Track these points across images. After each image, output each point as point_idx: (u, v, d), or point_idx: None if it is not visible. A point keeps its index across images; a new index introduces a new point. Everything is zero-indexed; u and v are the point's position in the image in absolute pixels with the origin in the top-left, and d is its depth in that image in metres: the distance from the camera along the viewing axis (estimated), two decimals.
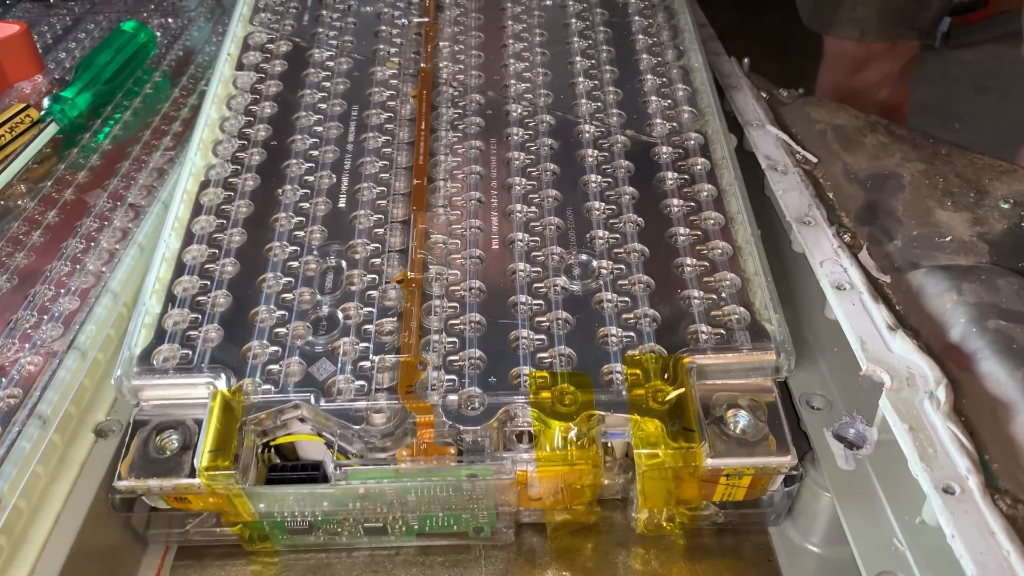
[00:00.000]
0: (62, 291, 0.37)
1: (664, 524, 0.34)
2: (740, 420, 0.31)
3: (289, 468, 0.33)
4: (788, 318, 0.33)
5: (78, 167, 0.46)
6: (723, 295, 0.34)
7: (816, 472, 0.32)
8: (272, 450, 0.33)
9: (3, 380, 0.33)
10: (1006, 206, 0.36)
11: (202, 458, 0.30)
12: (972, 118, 1.32)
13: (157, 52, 0.58)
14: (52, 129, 0.48)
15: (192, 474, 0.30)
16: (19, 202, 0.43)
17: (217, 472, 0.30)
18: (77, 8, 0.64)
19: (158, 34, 0.60)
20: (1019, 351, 0.30)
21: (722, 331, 0.33)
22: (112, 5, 0.64)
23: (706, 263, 0.35)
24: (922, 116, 1.16)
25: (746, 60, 0.48)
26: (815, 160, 0.40)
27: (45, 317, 0.36)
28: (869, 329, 0.31)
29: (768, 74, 0.50)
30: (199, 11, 0.64)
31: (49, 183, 0.45)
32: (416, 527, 0.33)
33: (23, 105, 0.48)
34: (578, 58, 0.47)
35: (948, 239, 0.35)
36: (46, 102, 0.49)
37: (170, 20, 0.62)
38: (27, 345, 0.34)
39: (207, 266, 0.36)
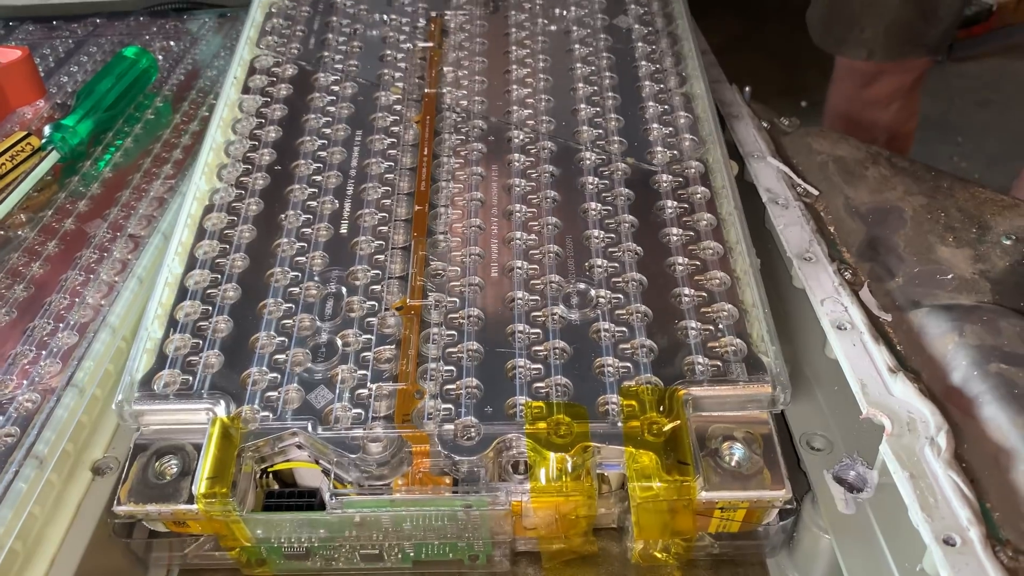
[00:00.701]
0: (60, 325, 0.37)
1: (659, 555, 0.34)
2: (735, 453, 0.31)
3: (286, 495, 0.33)
4: (788, 353, 0.33)
5: (79, 196, 0.46)
6: (720, 326, 0.34)
7: (816, 513, 0.31)
8: (270, 475, 0.34)
9: (0, 419, 0.33)
10: (1008, 242, 0.36)
11: (200, 485, 0.30)
12: (975, 131, 1.31)
13: (159, 76, 0.57)
14: (53, 157, 0.48)
15: (190, 500, 0.30)
16: (19, 232, 0.43)
17: (214, 499, 0.30)
18: (80, 31, 0.64)
19: (160, 57, 0.59)
20: (1021, 396, 0.29)
21: (719, 363, 0.33)
22: (115, 28, 0.64)
23: (704, 293, 0.35)
24: (925, 129, 1.16)
25: (747, 89, 0.48)
26: (816, 193, 0.40)
27: (44, 352, 0.36)
28: (870, 371, 0.31)
29: (770, 87, 0.50)
30: (202, 33, 0.64)
31: (49, 212, 0.44)
32: (412, 554, 0.33)
33: (24, 133, 0.48)
34: (581, 84, 0.48)
35: (950, 276, 0.34)
36: (47, 130, 0.48)
37: (172, 43, 0.62)
38: (25, 381, 0.34)
39: (209, 291, 0.36)
